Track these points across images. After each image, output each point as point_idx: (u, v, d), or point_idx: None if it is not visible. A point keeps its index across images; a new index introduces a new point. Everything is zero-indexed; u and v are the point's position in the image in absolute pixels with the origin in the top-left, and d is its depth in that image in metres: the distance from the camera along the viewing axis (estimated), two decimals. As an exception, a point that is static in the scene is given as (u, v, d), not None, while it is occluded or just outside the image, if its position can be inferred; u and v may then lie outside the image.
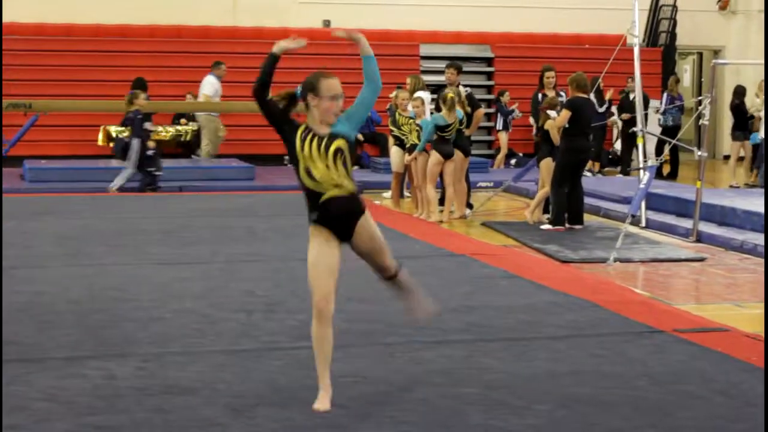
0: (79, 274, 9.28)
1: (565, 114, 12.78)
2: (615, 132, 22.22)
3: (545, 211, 13.55)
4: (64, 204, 14.56)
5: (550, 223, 12.95)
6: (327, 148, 5.46)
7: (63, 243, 11.06)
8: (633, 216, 11.99)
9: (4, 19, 20.75)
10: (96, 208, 14.11)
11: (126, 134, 17.21)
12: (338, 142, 5.49)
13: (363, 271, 9.35)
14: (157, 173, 16.42)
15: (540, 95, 14.37)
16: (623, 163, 20.97)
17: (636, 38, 14.12)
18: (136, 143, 16.15)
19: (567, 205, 12.87)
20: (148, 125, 16.49)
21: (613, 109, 21.32)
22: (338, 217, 5.53)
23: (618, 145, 22.12)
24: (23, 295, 8.40)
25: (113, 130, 19.92)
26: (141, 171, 16.20)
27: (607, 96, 20.81)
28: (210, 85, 19.36)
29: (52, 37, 21.20)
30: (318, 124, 5.53)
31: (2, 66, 18.45)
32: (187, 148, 20.57)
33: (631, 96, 20.36)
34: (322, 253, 5.55)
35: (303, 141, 5.49)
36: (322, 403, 5.51)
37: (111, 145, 19.97)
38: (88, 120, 20.23)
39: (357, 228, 5.58)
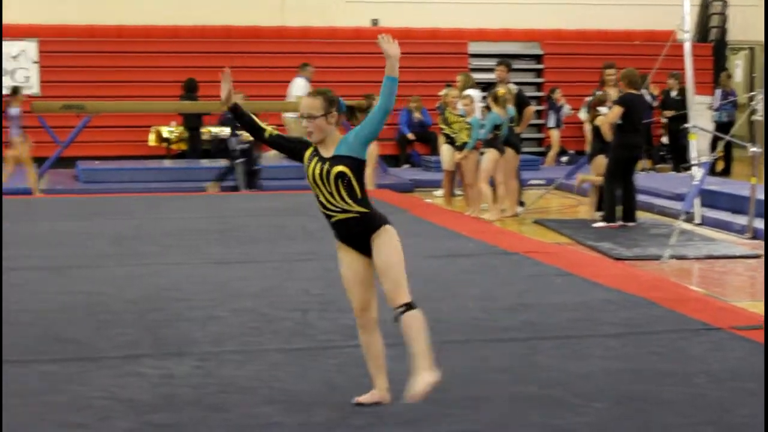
0: (136, 274, 9.36)
1: (618, 110, 12.73)
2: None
3: (598, 208, 13.50)
4: (118, 204, 14.68)
5: (603, 219, 12.90)
6: (328, 174, 5.30)
7: (118, 243, 11.15)
8: (687, 213, 11.93)
9: (57, 21, 21.00)
10: (150, 208, 14.20)
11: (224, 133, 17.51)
12: (339, 167, 5.29)
13: (416, 271, 9.41)
14: (256, 168, 16.89)
15: (600, 93, 14.29)
16: (673, 159, 20.86)
17: (686, 34, 14.03)
18: (235, 141, 16.49)
19: (620, 201, 12.83)
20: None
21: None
22: (350, 236, 5.43)
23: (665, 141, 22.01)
24: (81, 294, 8.48)
25: (165, 130, 20.07)
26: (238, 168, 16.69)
27: (654, 92, 20.73)
28: (299, 87, 19.42)
29: (103, 38, 21.38)
30: (319, 144, 5.43)
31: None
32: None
33: (672, 93, 20.29)
34: (350, 266, 5.49)
35: (309, 164, 5.38)
36: (365, 397, 5.56)
37: (164, 145, 20.12)
38: (139, 121, 20.39)
39: (371, 243, 5.40)
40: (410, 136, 21.38)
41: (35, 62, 20.95)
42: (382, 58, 5.28)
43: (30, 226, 12.30)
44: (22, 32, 21.04)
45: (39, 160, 18.04)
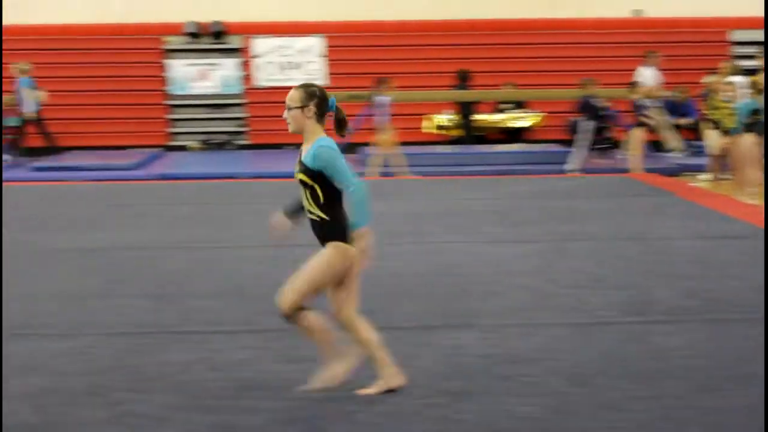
0: (423, 251, 9.51)
1: None
2: None
3: None
4: (403, 186, 14.97)
5: None
6: (297, 174, 5.18)
7: (405, 222, 11.33)
8: None
9: (342, 18, 21.52)
10: (431, 190, 14.40)
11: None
12: (301, 175, 5.14)
13: (686, 251, 9.22)
14: (609, 147, 17.56)
15: None
16: None
17: None
18: (588, 125, 16.92)
19: None
20: (604, 105, 17.32)
21: None
22: (315, 237, 5.25)
23: None
24: (376, 269, 8.64)
25: (442, 118, 20.25)
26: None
27: None
28: (646, 76, 19.16)
29: (384, 33, 21.75)
30: (303, 139, 5.25)
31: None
32: (510, 134, 20.62)
33: None
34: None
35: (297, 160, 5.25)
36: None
37: (439, 132, 20.29)
38: (415, 109, 20.64)
39: None
40: (684, 121, 20.87)
41: (323, 56, 21.55)
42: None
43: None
44: (311, 29, 21.68)
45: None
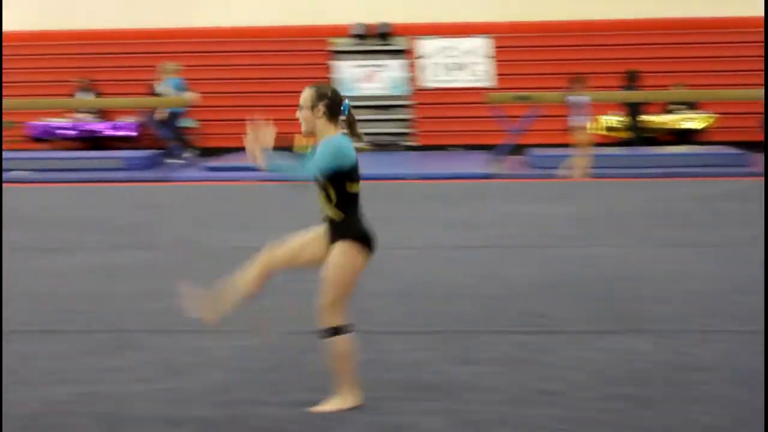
0: (594, 254, 9.41)
1: None
2: None
3: None
4: (567, 188, 14.85)
5: None
6: None
7: (577, 225, 11.22)
8: None
9: (508, 19, 21.48)
10: (595, 192, 14.24)
11: None
12: None
13: None
14: None
15: None
16: None
17: None
18: None
19: None
20: None
21: None
22: (327, 233, 5.20)
23: None
24: (544, 272, 8.62)
25: (611, 119, 19.99)
26: None
27: None
28: None
29: (550, 33, 21.61)
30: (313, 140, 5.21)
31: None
32: (679, 136, 20.24)
33: None
34: (309, 234, 5.29)
35: None
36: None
37: (607, 134, 20.02)
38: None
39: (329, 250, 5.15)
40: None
41: (489, 57, 21.54)
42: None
43: (488, 207, 12.68)
44: (476, 30, 21.69)
45: (490, 147, 18.61)
